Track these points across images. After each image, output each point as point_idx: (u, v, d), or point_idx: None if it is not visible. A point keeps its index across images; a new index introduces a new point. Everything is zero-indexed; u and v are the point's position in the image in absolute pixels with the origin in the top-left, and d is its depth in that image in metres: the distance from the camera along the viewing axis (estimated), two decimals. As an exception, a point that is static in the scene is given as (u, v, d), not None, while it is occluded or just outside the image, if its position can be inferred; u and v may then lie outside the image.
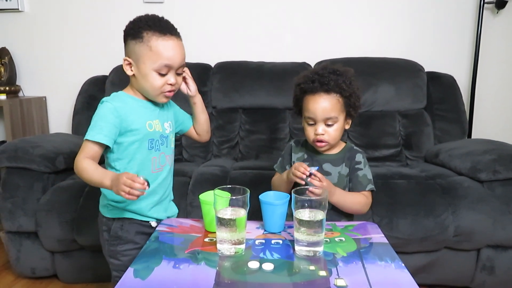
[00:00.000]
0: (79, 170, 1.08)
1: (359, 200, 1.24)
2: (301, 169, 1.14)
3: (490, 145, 1.79)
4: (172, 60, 1.11)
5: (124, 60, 1.14)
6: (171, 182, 1.28)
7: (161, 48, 1.09)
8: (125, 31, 1.14)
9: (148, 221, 1.19)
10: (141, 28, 1.10)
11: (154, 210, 1.19)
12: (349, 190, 1.28)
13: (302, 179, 1.14)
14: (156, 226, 1.16)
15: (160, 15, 1.15)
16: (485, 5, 2.28)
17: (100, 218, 1.22)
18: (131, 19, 1.14)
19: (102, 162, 1.15)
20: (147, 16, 1.13)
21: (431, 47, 2.40)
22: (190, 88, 1.25)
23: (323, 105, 1.18)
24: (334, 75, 1.19)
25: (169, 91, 1.15)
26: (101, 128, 1.08)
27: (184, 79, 1.23)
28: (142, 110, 1.16)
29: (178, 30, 1.16)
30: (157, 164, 1.18)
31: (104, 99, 1.13)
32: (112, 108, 1.10)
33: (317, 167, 1.15)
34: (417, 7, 2.37)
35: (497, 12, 2.34)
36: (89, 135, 1.08)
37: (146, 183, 0.96)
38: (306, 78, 1.22)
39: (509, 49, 2.39)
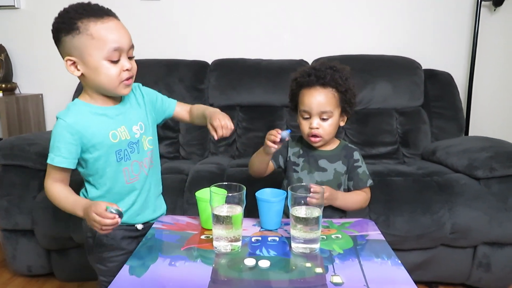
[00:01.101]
0: (50, 197, 1.05)
1: (360, 198, 1.27)
2: (273, 132, 1.11)
3: (487, 143, 1.79)
4: (120, 41, 0.99)
5: (66, 60, 1.00)
6: (154, 186, 1.18)
7: (103, 32, 0.97)
8: (54, 28, 1.01)
9: (134, 224, 1.14)
10: (72, 19, 0.97)
11: (139, 217, 1.14)
12: (349, 188, 1.29)
13: (274, 142, 1.11)
14: (143, 228, 1.14)
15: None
16: (483, 2, 2.28)
17: (84, 223, 1.12)
18: (56, 15, 1.01)
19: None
20: (73, 5, 1.00)
21: (429, 45, 2.40)
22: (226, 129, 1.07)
23: (319, 98, 1.19)
24: (330, 70, 1.19)
25: (127, 79, 1.03)
26: (58, 149, 1.00)
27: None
28: (102, 120, 1.05)
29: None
30: (130, 174, 1.09)
31: (58, 114, 1.02)
32: (66, 126, 1.00)
33: (289, 130, 1.11)
34: (414, 5, 2.37)
35: (495, 10, 2.34)
36: (49, 158, 1.01)
37: (117, 216, 0.91)
38: (302, 72, 1.23)
39: (506, 46, 2.39)
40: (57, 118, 1.02)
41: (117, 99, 1.11)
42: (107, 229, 0.93)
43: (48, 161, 1.01)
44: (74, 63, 1.00)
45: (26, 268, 1.76)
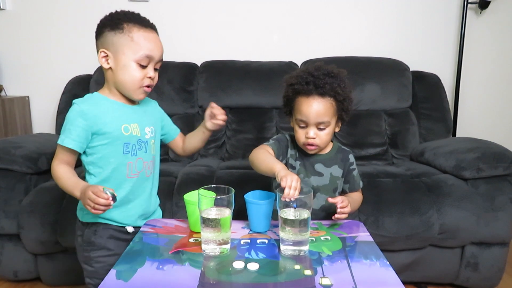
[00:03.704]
0: (54, 177, 1.09)
1: (360, 200, 1.30)
2: (291, 193, 0.94)
3: (474, 144, 1.81)
4: (154, 51, 1.09)
5: (101, 51, 1.09)
6: (152, 190, 1.22)
7: (142, 38, 1.07)
8: (100, 23, 1.11)
9: (124, 226, 1.15)
10: (121, 19, 1.08)
11: (129, 218, 1.15)
12: (343, 190, 1.29)
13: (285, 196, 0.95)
14: (133, 232, 1.14)
15: (144, 14, 1.13)
16: (469, 5, 2.31)
17: (77, 222, 1.19)
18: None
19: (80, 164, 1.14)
20: (124, 11, 1.12)
21: (416, 47, 2.42)
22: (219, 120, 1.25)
23: (317, 108, 1.14)
24: (329, 78, 1.14)
25: (148, 86, 1.12)
26: (69, 131, 1.06)
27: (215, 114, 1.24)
28: (117, 112, 1.11)
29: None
30: (132, 169, 1.13)
31: (75, 101, 1.09)
32: (80, 111, 1.06)
33: (295, 206, 0.95)
34: (402, 8, 2.40)
35: (481, 12, 2.37)
36: (60, 139, 1.07)
37: (111, 198, 0.95)
38: (299, 78, 1.17)
39: (492, 48, 2.43)
40: (72, 104, 1.08)
41: (133, 102, 1.17)
42: (99, 208, 0.96)
43: (58, 141, 1.06)
44: (106, 56, 1.09)
45: (12, 273, 1.73)
